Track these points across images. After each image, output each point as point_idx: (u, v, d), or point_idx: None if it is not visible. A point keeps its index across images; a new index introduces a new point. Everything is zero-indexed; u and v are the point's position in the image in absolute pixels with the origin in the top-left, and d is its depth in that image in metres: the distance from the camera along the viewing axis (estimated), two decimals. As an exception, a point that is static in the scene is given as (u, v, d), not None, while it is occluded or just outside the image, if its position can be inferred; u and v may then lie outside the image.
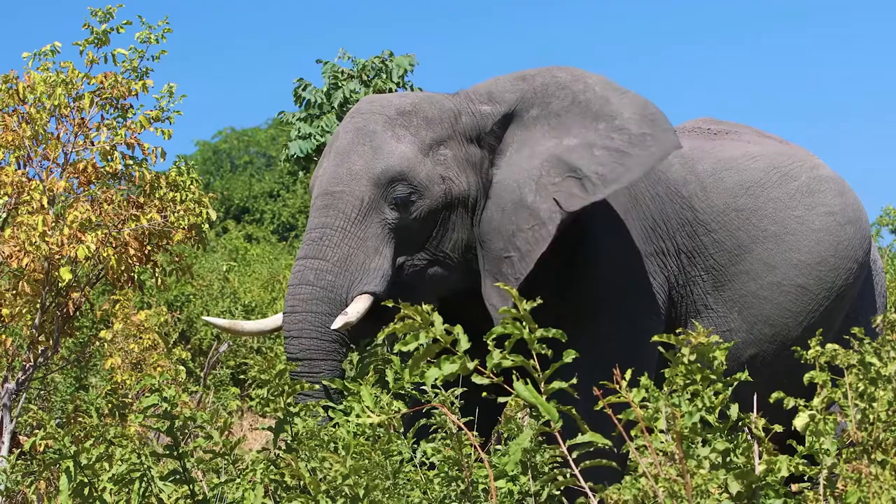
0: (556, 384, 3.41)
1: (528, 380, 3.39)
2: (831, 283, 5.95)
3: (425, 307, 3.32)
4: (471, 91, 5.71)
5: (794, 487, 3.64)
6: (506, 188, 5.50)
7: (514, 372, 3.42)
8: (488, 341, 3.34)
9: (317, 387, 5.05)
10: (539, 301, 3.57)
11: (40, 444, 4.43)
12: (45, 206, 6.28)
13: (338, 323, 5.12)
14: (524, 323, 3.39)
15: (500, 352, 3.28)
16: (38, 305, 6.43)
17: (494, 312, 5.42)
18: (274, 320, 5.49)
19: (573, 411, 3.46)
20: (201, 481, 4.13)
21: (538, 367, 3.39)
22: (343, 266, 5.26)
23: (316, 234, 5.32)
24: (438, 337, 3.25)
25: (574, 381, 3.50)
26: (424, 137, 5.44)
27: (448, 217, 5.43)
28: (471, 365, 3.23)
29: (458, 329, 3.29)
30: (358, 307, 5.19)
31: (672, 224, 5.71)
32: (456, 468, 4.06)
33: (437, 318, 3.27)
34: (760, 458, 3.46)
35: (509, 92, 5.64)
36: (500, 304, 5.38)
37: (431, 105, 5.54)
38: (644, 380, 3.53)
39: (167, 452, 4.05)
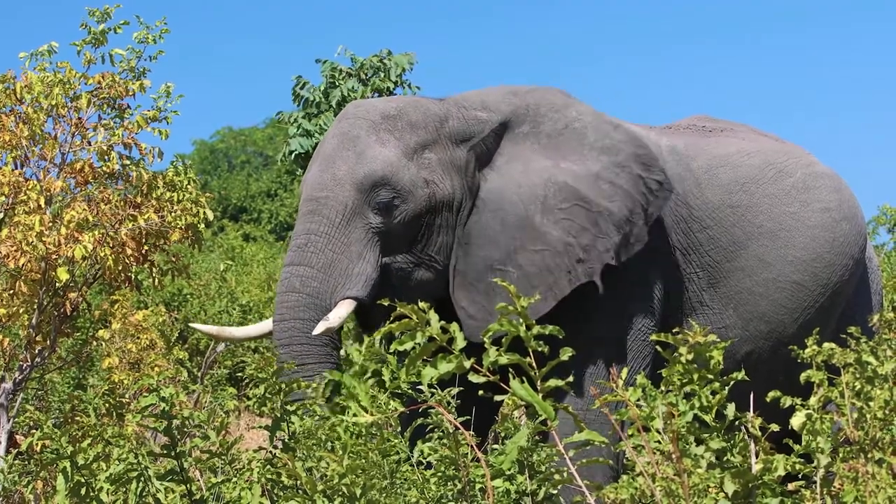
0: (553, 382, 3.41)
1: (525, 378, 3.39)
2: (827, 279, 5.95)
3: (422, 305, 3.32)
4: (459, 98, 5.74)
5: (791, 486, 3.65)
6: (506, 200, 5.51)
7: (511, 370, 3.42)
8: (485, 339, 3.34)
9: (314, 385, 5.06)
10: (536, 298, 3.57)
11: (37, 444, 4.42)
12: (42, 206, 6.27)
13: (319, 328, 5.17)
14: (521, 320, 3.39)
15: (497, 350, 3.28)
16: (35, 305, 6.43)
17: (464, 315, 5.45)
18: (261, 327, 5.54)
19: (570, 409, 3.45)
20: (199, 481, 4.13)
21: (534, 364, 3.39)
22: (327, 272, 5.31)
23: (301, 241, 5.37)
24: (434, 336, 3.25)
25: (570, 378, 3.50)
26: (409, 141, 5.46)
27: (433, 220, 5.45)
28: (467, 364, 3.22)
29: (455, 327, 3.29)
30: (340, 312, 5.24)
31: (667, 221, 5.71)
32: (453, 467, 4.06)
33: (434, 317, 3.27)
34: (757, 457, 3.46)
35: (503, 104, 5.69)
36: (470, 308, 5.44)
37: (416, 109, 5.57)
38: (641, 378, 3.53)
39: (164, 452, 4.05)
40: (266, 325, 5.50)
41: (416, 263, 5.45)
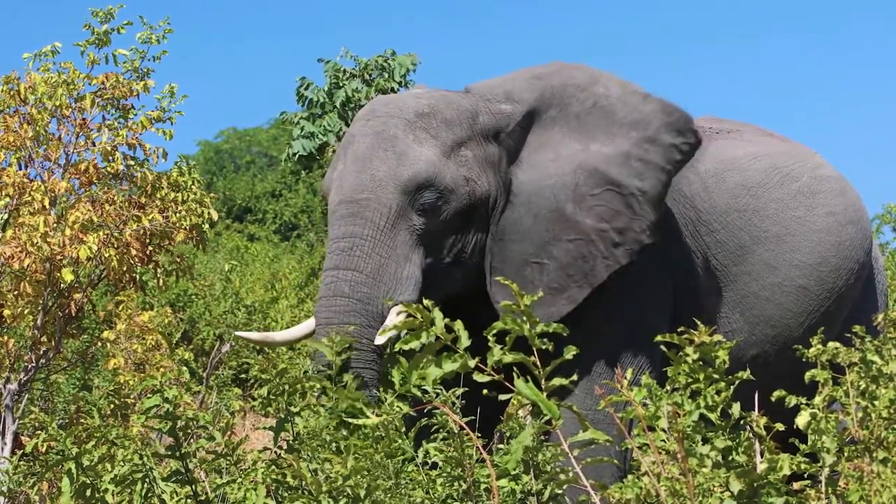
0: (557, 381, 3.39)
1: (529, 377, 3.38)
2: (832, 283, 5.95)
3: (426, 303, 3.30)
4: (484, 89, 5.63)
5: (796, 486, 3.64)
6: (538, 193, 5.46)
7: (515, 369, 3.40)
8: (489, 338, 3.32)
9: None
10: (540, 295, 3.55)
11: (42, 445, 4.42)
12: (47, 206, 6.28)
13: (381, 339, 5.05)
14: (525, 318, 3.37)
15: (501, 348, 3.26)
16: (39, 306, 6.43)
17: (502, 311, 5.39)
18: (303, 328, 5.36)
19: (574, 408, 3.44)
20: (204, 482, 4.13)
21: (539, 363, 3.37)
22: (377, 277, 5.18)
23: (345, 244, 5.22)
24: (439, 335, 3.23)
25: (575, 377, 3.48)
26: (445, 140, 5.35)
27: (471, 218, 5.37)
28: (472, 362, 3.21)
29: (459, 325, 3.27)
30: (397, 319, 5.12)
31: (675, 223, 5.69)
32: (458, 468, 4.05)
33: (438, 316, 3.25)
34: (762, 456, 3.46)
35: (527, 91, 5.58)
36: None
37: (449, 106, 5.45)
38: (646, 378, 3.52)
39: (169, 453, 4.05)
40: (306, 327, 5.35)
41: (453, 262, 5.37)
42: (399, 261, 5.22)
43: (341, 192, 5.32)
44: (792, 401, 3.69)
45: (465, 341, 3.25)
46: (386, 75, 11.22)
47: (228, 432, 4.11)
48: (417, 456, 4.55)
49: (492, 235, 5.45)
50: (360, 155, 5.33)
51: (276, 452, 4.11)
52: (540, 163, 5.49)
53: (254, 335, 5.51)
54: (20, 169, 6.52)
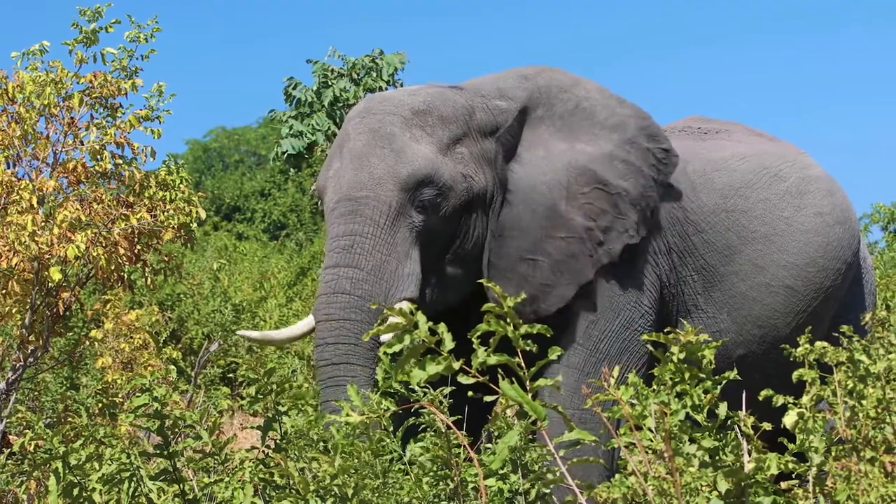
0: (542, 382, 3.39)
1: (514, 378, 3.37)
2: (819, 283, 5.96)
3: (408, 305, 3.30)
4: (475, 86, 5.66)
5: (784, 485, 3.65)
6: (534, 189, 5.49)
7: (500, 370, 3.40)
8: (473, 339, 3.32)
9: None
10: (523, 297, 3.55)
11: (29, 445, 4.41)
12: (35, 205, 6.25)
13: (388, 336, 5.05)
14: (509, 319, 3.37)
15: (485, 350, 3.26)
16: (27, 305, 6.41)
17: None
18: (302, 326, 5.36)
19: (559, 408, 3.44)
20: (191, 481, 4.13)
21: (523, 364, 3.37)
22: (377, 274, 5.18)
23: (345, 242, 5.22)
24: (422, 338, 3.22)
25: (560, 378, 3.48)
26: (442, 137, 5.37)
27: (469, 215, 5.38)
28: (456, 365, 3.20)
29: (443, 328, 3.26)
30: None
31: (663, 222, 5.71)
32: (445, 467, 4.05)
33: (422, 318, 3.24)
34: (749, 455, 3.47)
35: (518, 90, 5.63)
36: None
37: (445, 102, 5.46)
38: (632, 377, 3.52)
39: (157, 452, 4.05)
40: (305, 325, 5.35)
41: (452, 259, 5.38)
42: (400, 258, 5.22)
43: (339, 190, 5.32)
44: (779, 400, 3.70)
45: (448, 343, 3.24)
46: (374, 74, 11.22)
47: (216, 431, 4.11)
48: (405, 455, 4.55)
49: (491, 232, 5.46)
50: (358, 153, 5.33)
51: (263, 451, 4.11)
52: (532, 160, 5.53)
53: (254, 334, 5.51)
54: (8, 168, 6.50)
